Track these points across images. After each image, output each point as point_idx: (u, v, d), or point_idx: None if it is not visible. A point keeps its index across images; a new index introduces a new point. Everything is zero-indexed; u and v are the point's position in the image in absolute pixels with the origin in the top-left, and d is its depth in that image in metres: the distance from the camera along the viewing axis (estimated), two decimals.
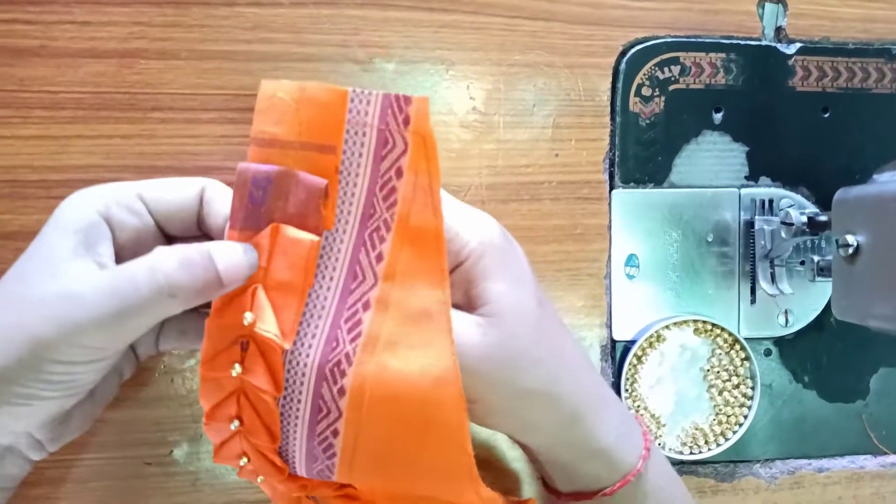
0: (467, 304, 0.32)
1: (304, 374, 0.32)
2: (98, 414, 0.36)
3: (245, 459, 0.34)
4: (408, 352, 0.31)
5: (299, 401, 0.32)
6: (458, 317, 0.31)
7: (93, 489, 0.39)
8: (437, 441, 0.32)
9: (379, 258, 0.32)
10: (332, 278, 0.32)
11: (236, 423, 0.33)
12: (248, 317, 0.31)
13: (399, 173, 0.31)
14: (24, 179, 0.38)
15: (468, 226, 0.33)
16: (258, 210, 0.32)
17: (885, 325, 0.31)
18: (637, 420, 0.37)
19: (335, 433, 0.31)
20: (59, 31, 0.38)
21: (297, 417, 0.32)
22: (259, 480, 0.35)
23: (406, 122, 0.31)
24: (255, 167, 0.31)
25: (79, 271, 0.30)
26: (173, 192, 0.33)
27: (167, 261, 0.29)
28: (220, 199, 0.34)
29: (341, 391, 0.31)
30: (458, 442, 0.32)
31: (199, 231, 0.34)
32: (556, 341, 0.34)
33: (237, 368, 0.31)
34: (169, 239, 0.35)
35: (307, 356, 0.32)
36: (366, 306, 0.31)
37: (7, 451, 0.33)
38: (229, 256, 0.30)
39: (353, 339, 0.31)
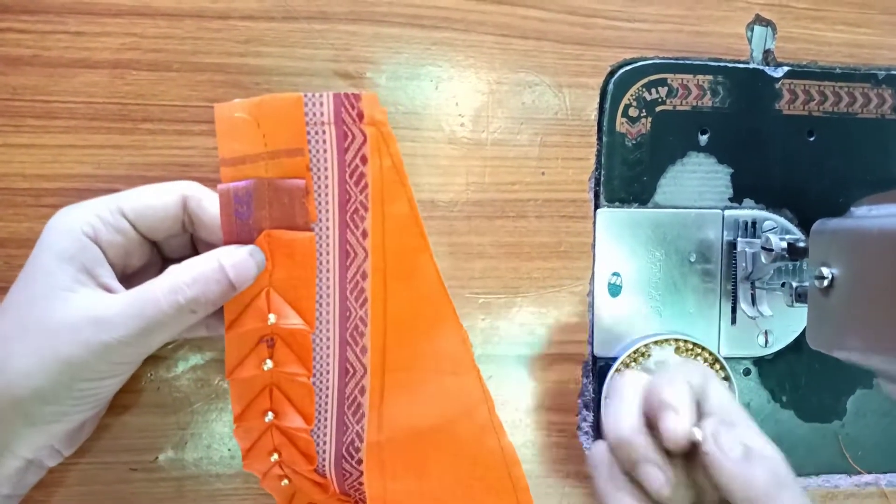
0: None
1: (328, 348, 0.37)
2: (102, 415, 0.38)
3: (276, 455, 0.37)
4: (408, 299, 0.38)
5: (327, 371, 0.37)
6: None
7: (79, 494, 0.39)
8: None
9: (364, 235, 0.36)
10: (327, 261, 0.36)
11: (270, 415, 0.37)
12: (272, 318, 0.35)
13: (364, 160, 0.35)
14: (15, 188, 0.38)
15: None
16: (246, 224, 0.34)
17: (855, 358, 0.32)
18: None
19: (362, 391, 0.38)
20: (53, 40, 0.38)
21: (327, 388, 0.38)
22: (283, 483, 0.39)
23: (360, 116, 0.35)
24: (235, 185, 0.34)
25: (95, 297, 0.32)
26: (154, 203, 0.34)
27: (184, 279, 0.32)
28: (206, 201, 0.35)
29: (363, 349, 0.37)
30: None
31: (184, 231, 0.35)
32: None
33: (269, 363, 0.36)
34: (153, 244, 0.36)
35: (327, 332, 0.37)
36: (363, 276, 0.37)
37: (30, 464, 0.34)
38: (237, 262, 0.33)
39: (361, 305, 0.37)
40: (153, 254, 0.36)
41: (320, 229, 0.36)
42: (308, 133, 0.35)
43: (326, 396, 0.38)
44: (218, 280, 0.32)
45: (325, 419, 0.38)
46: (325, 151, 0.35)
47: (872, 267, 0.30)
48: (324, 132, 0.35)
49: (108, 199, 0.34)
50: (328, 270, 0.36)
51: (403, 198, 0.37)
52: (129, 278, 0.35)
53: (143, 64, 0.39)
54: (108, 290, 0.32)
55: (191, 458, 0.40)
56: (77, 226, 0.32)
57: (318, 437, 0.38)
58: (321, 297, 0.37)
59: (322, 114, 0.34)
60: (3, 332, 0.32)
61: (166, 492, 0.40)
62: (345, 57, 0.40)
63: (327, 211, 0.36)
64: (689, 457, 0.30)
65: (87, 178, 0.38)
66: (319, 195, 0.35)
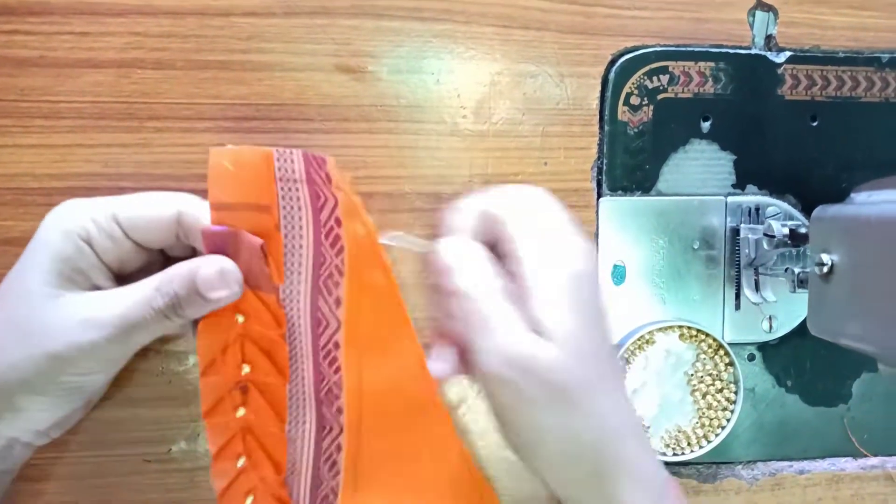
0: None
1: (304, 402, 0.36)
2: (96, 401, 0.39)
3: (251, 498, 0.36)
4: (387, 374, 0.35)
5: (304, 421, 0.36)
6: (511, 322, 0.30)
7: (94, 485, 0.40)
8: (431, 443, 0.36)
9: (337, 303, 0.35)
10: (299, 324, 0.35)
11: (243, 459, 0.36)
12: (247, 368, 0.35)
13: (338, 222, 0.34)
14: (25, 187, 0.39)
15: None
16: None
17: (856, 344, 0.32)
18: (672, 487, 0.34)
19: (338, 448, 0.36)
20: (58, 41, 0.38)
21: (303, 440, 0.36)
22: None
23: (328, 179, 0.34)
24: (213, 229, 0.34)
25: (85, 298, 0.33)
26: (148, 214, 0.34)
27: (155, 287, 0.33)
28: (202, 218, 0.35)
29: (339, 410, 0.35)
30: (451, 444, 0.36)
31: (178, 241, 0.36)
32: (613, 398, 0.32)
33: (241, 411, 0.36)
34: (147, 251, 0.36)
35: (303, 388, 0.36)
36: (336, 346, 0.35)
37: (14, 441, 0.35)
38: (207, 278, 0.33)
39: (335, 372, 0.36)
40: (153, 255, 0.36)
41: (291, 291, 0.35)
42: (280, 189, 0.34)
43: (303, 448, 0.37)
44: (187, 295, 0.33)
45: (301, 471, 0.37)
46: (298, 209, 0.34)
47: (871, 254, 0.31)
48: (297, 189, 0.34)
49: (105, 204, 0.34)
50: (301, 333, 0.35)
51: (379, 267, 0.35)
52: (128, 277, 0.35)
53: (147, 63, 0.39)
54: (101, 290, 0.33)
55: (203, 449, 0.41)
56: (73, 228, 0.33)
57: (293, 484, 0.37)
58: (295, 356, 0.36)
59: (293, 171, 0.33)
60: None
61: (179, 482, 0.41)
62: (346, 51, 0.41)
63: (300, 273, 0.35)
64: None
65: (96, 176, 0.39)
66: (292, 254, 0.35)
